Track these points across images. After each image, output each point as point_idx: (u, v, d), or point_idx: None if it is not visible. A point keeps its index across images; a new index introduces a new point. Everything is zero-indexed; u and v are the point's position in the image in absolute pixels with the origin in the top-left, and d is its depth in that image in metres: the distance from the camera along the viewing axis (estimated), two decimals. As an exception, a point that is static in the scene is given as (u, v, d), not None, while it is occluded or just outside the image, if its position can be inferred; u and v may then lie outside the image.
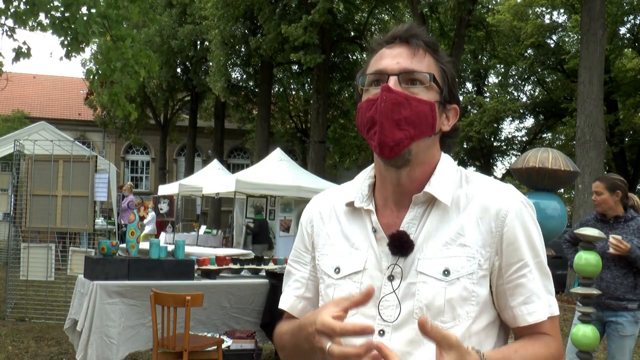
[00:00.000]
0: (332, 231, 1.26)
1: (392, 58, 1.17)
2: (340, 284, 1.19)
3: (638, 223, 3.97)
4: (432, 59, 1.19)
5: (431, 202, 1.16)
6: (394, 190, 1.19)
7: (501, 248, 1.13)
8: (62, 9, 6.95)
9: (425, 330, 0.96)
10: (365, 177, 1.27)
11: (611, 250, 3.85)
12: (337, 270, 1.21)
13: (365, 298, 1.04)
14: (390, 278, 1.14)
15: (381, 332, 1.13)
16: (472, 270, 1.11)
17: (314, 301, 1.30)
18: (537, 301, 1.14)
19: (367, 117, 1.16)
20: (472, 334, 1.12)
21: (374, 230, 1.19)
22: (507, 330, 1.22)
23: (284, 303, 1.33)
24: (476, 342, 1.12)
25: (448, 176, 1.19)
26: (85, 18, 7.00)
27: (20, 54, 7.36)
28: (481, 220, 1.13)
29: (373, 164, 1.27)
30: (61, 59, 7.36)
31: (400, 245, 1.13)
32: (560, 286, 10.40)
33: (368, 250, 1.18)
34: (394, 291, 1.13)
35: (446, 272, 1.11)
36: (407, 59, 1.17)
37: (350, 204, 1.24)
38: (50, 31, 7.02)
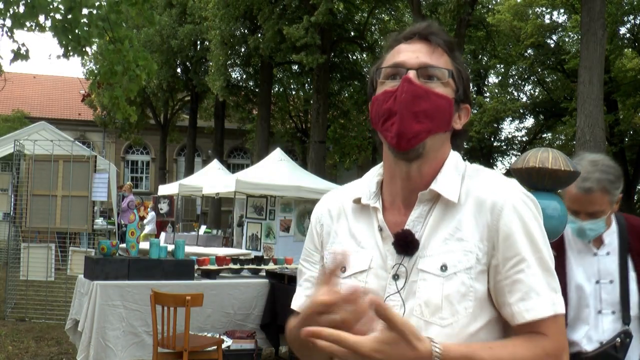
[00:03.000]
0: (340, 229, 1.25)
1: (411, 53, 1.17)
2: (345, 282, 1.17)
3: None
4: (449, 58, 1.19)
5: (436, 199, 1.15)
6: (402, 185, 1.18)
7: (497, 242, 1.10)
8: (63, 12, 6.92)
9: (377, 311, 0.94)
10: (374, 174, 1.26)
11: None
12: (343, 268, 1.19)
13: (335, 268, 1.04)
14: (395, 277, 1.13)
15: None
16: (469, 265, 1.09)
17: None
18: (536, 298, 1.09)
19: (385, 108, 1.15)
20: (471, 333, 1.09)
21: (380, 229, 1.18)
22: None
23: (295, 303, 1.31)
24: (476, 342, 1.09)
25: (454, 172, 1.18)
26: (86, 21, 6.98)
27: (19, 55, 7.31)
28: (478, 214, 1.12)
29: (382, 163, 1.25)
30: (59, 57, 7.32)
31: (405, 244, 1.12)
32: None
33: (373, 249, 1.17)
34: (398, 291, 1.12)
35: (443, 268, 1.09)
36: (426, 55, 1.17)
37: (358, 201, 1.23)
38: (51, 33, 6.98)
